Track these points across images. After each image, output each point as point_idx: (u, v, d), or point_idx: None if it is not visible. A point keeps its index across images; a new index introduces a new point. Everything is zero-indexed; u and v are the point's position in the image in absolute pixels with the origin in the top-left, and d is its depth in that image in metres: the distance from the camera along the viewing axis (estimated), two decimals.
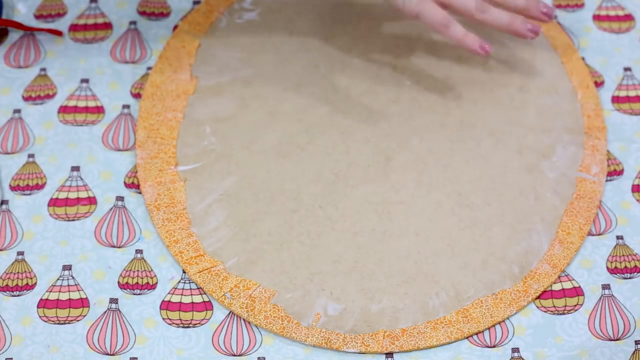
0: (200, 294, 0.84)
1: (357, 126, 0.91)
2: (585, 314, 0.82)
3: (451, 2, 0.89)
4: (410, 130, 0.91)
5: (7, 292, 0.83)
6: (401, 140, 0.91)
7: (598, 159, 0.90)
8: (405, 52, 0.96)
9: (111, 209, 0.88)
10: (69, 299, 0.83)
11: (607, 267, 0.85)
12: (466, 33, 0.88)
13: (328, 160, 0.90)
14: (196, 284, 0.84)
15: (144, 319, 0.82)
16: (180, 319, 0.82)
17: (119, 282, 0.84)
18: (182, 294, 0.83)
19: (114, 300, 0.83)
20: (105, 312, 0.83)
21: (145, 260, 0.85)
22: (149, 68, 0.96)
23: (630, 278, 0.84)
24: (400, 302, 0.82)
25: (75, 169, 0.90)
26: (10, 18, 0.99)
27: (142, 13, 0.99)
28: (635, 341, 0.81)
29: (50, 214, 0.87)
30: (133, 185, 0.89)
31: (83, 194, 0.88)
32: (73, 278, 0.84)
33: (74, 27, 0.99)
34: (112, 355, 0.81)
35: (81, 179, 0.89)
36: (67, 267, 0.85)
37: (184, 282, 0.84)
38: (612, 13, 1.00)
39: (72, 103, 0.94)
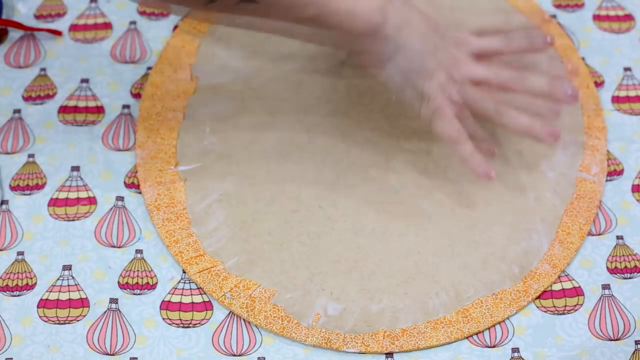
0: (200, 294, 0.84)
1: (357, 126, 0.91)
2: (585, 314, 0.82)
3: (470, 104, 0.85)
4: (410, 130, 0.91)
5: (7, 292, 0.83)
6: (401, 140, 0.91)
7: (598, 159, 0.90)
8: None
9: (111, 209, 0.88)
10: (69, 299, 0.83)
11: (607, 267, 0.85)
12: (473, 154, 0.84)
13: (328, 160, 0.90)
14: (196, 284, 0.84)
15: (144, 319, 0.82)
16: (180, 319, 0.82)
17: (119, 282, 0.84)
18: (182, 294, 0.83)
19: (114, 300, 0.83)
20: (105, 312, 0.83)
21: (145, 260, 0.85)
22: (149, 68, 0.96)
23: (630, 278, 0.84)
24: (400, 302, 0.82)
25: (75, 169, 0.90)
26: (10, 18, 0.99)
27: (142, 13, 0.99)
28: (635, 341, 0.81)
29: (50, 214, 0.87)
30: (133, 185, 0.89)
31: (83, 194, 0.88)
32: (73, 278, 0.84)
33: (74, 27, 0.99)
34: (112, 355, 0.81)
35: (81, 179, 0.89)
36: (67, 267, 0.85)
37: (184, 282, 0.84)
38: (612, 13, 1.00)
39: (72, 103, 0.94)
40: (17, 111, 0.93)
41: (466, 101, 0.84)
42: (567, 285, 0.84)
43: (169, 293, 0.84)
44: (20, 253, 0.85)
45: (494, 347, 0.81)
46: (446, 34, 0.85)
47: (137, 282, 0.84)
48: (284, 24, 0.82)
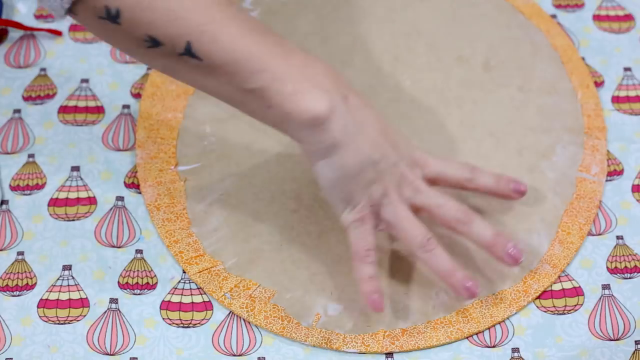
0: (200, 294, 0.83)
1: None
2: (585, 314, 0.82)
3: (398, 230, 0.79)
4: (410, 130, 0.91)
5: (7, 292, 0.83)
6: None
7: (598, 159, 0.90)
8: (405, 52, 0.96)
9: (111, 209, 0.88)
10: (69, 299, 0.83)
11: (607, 267, 0.85)
12: (371, 278, 0.78)
13: None
14: (196, 284, 0.84)
15: (144, 319, 0.82)
16: (180, 319, 0.82)
17: (119, 282, 0.84)
18: (182, 294, 0.83)
19: (114, 300, 0.83)
20: (105, 312, 0.83)
21: (145, 260, 0.85)
22: (149, 68, 0.96)
23: (630, 278, 0.84)
24: (400, 302, 0.82)
25: (75, 169, 0.90)
26: (10, 18, 0.99)
27: None
28: (635, 341, 0.81)
29: (50, 214, 0.87)
30: (133, 185, 0.89)
31: (83, 194, 0.88)
32: (73, 278, 0.84)
33: (74, 27, 0.99)
34: (112, 355, 0.81)
35: (81, 179, 0.89)
36: (67, 267, 0.85)
37: (184, 282, 0.84)
38: (612, 13, 1.00)
39: (72, 103, 0.94)
40: (17, 111, 0.93)
41: (395, 225, 0.79)
42: (567, 285, 0.84)
43: (169, 293, 0.84)
44: (20, 253, 0.85)
45: (494, 347, 0.81)
46: (404, 151, 0.79)
47: (137, 282, 0.84)
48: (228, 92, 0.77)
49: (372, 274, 0.79)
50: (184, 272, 0.84)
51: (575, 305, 0.83)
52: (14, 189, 0.89)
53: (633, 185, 0.89)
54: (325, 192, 0.80)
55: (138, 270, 0.85)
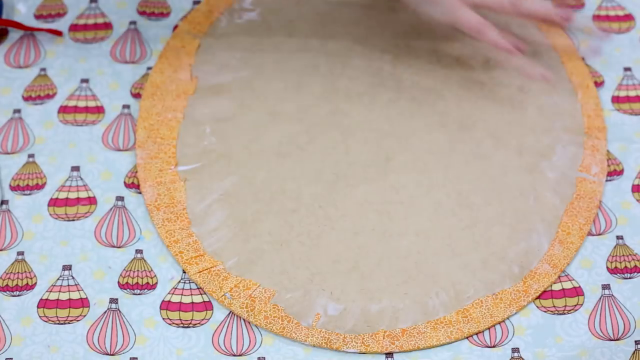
0: (200, 294, 0.84)
1: (357, 126, 0.91)
2: (585, 314, 0.82)
3: (484, 2, 0.91)
4: (410, 130, 0.91)
5: (7, 292, 0.83)
6: (401, 140, 0.91)
7: (598, 159, 0.90)
8: (405, 52, 0.96)
9: (111, 209, 0.88)
10: (69, 299, 0.83)
11: (607, 267, 0.85)
12: (501, 36, 0.90)
13: (328, 160, 0.90)
14: (196, 284, 0.84)
15: (144, 319, 0.82)
16: (180, 319, 0.82)
17: (119, 282, 0.84)
18: (182, 294, 0.83)
19: (114, 300, 0.83)
20: (105, 312, 0.83)
21: (145, 260, 0.85)
22: (149, 68, 0.96)
23: (630, 278, 0.84)
24: (400, 302, 0.82)
25: (75, 169, 0.90)
26: (10, 18, 0.99)
27: (142, 13, 0.99)
28: (635, 341, 0.81)
29: (50, 214, 0.87)
30: (133, 185, 0.89)
31: (83, 194, 0.88)
32: (73, 278, 0.84)
33: (74, 27, 0.99)
34: (112, 355, 0.81)
35: (81, 179, 0.89)
36: (67, 267, 0.85)
37: (184, 282, 0.84)
38: (612, 13, 1.00)
39: (72, 103, 0.94)
40: (17, 111, 0.93)
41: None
42: (567, 285, 0.84)
43: (169, 293, 0.84)
44: (20, 253, 0.85)
45: (494, 347, 0.81)
46: None
47: (137, 282, 0.84)
48: None
49: (499, 34, 0.90)
50: (184, 272, 0.84)
51: (575, 305, 0.83)
52: (14, 189, 0.89)
53: (633, 185, 0.89)
54: (417, 6, 0.92)
55: (138, 270, 0.85)
